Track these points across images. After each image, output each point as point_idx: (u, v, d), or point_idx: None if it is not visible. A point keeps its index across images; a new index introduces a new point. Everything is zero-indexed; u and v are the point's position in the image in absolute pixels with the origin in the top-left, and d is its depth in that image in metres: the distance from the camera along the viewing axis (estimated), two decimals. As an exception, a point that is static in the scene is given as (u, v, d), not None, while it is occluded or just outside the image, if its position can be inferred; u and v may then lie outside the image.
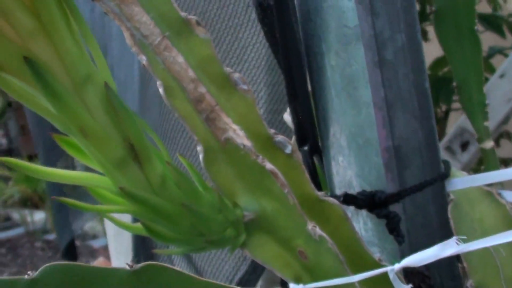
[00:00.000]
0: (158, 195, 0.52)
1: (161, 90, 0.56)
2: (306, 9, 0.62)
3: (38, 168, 0.50)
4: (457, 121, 1.45)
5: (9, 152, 10.53)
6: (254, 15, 1.00)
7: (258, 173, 0.55)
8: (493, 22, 1.48)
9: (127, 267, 0.45)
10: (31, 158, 7.15)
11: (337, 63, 0.60)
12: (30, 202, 6.84)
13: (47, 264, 0.46)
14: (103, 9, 0.57)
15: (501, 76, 1.26)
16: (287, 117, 0.72)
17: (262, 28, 0.68)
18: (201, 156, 0.56)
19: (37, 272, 0.45)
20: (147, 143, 0.51)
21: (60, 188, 2.43)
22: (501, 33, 1.55)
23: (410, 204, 0.61)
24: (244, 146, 0.55)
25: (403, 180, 0.61)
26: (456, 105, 1.73)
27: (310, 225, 0.54)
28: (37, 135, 2.48)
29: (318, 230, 0.53)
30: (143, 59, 0.56)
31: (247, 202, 0.56)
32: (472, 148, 1.35)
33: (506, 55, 1.53)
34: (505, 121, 1.32)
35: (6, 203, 6.75)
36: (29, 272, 0.46)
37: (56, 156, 2.36)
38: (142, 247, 1.55)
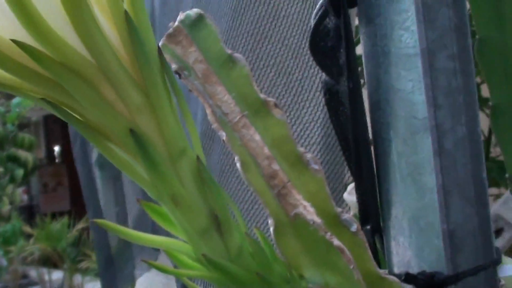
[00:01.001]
0: (235, 263, 0.55)
1: (238, 164, 0.60)
2: (377, 99, 0.66)
3: (130, 232, 0.54)
4: (492, 207, 1.48)
5: (30, 208, 10.59)
6: (313, 96, 1.05)
7: (325, 248, 0.59)
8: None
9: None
10: (54, 216, 7.21)
11: (403, 150, 0.65)
12: (49, 261, 6.86)
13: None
14: (188, 86, 0.62)
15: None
16: (347, 196, 0.76)
17: (328, 111, 0.73)
18: (271, 229, 0.60)
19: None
20: (229, 214, 0.55)
21: (108, 252, 2.47)
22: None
23: (462, 286, 0.65)
24: (314, 222, 0.58)
25: (456, 263, 0.65)
26: (491, 191, 1.76)
27: (373, 301, 0.57)
28: (89, 199, 2.54)
29: (381, 306, 0.57)
30: (223, 135, 0.61)
31: (312, 275, 0.60)
32: (506, 235, 1.38)
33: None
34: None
35: (25, 260, 6.77)
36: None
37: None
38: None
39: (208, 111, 0.62)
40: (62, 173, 11.24)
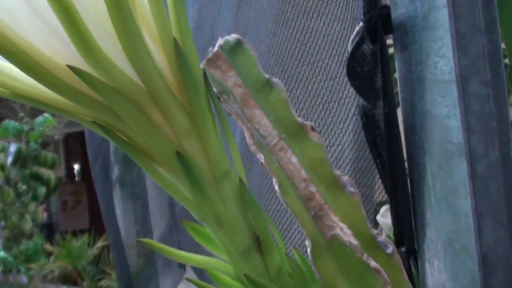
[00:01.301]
0: (275, 283, 0.57)
1: (276, 186, 0.62)
2: (412, 123, 0.68)
3: (174, 252, 0.56)
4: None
5: (49, 226, 10.63)
6: (345, 118, 1.06)
7: (362, 269, 0.60)
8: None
9: None
10: (75, 234, 7.25)
11: (438, 174, 0.66)
12: (69, 279, 6.89)
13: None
14: (227, 109, 0.63)
15: None
16: (380, 218, 0.78)
17: (365, 134, 0.74)
18: (309, 250, 0.61)
19: None
20: (269, 235, 0.56)
21: (128, 271, 2.49)
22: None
23: (495, 310, 0.66)
24: (351, 243, 0.60)
25: (489, 285, 0.66)
26: None
27: (408, 321, 0.58)
28: (108, 218, 2.57)
29: (416, 327, 0.58)
30: (261, 157, 0.62)
31: (349, 295, 0.61)
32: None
33: None
34: None
35: (45, 278, 6.81)
36: None
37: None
38: None
39: (247, 134, 0.64)
40: (81, 191, 11.29)
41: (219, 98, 0.61)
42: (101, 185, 2.78)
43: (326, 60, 1.11)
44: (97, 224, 6.41)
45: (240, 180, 0.54)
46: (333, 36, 1.09)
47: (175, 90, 0.51)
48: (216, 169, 0.53)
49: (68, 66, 0.47)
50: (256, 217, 0.55)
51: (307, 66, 1.16)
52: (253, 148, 0.63)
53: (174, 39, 0.51)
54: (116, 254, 2.87)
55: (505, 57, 0.67)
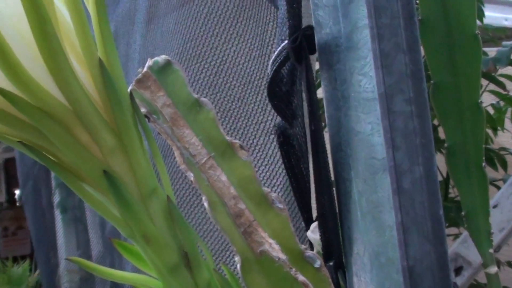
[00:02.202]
0: (204, 299, 0.58)
1: (206, 204, 0.63)
2: (338, 141, 0.70)
3: (103, 269, 0.57)
4: (452, 246, 1.51)
5: (-10, 253, 10.40)
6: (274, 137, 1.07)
7: (290, 283, 0.61)
8: (486, 155, 1.57)
9: None
10: (15, 260, 7.11)
11: (364, 189, 0.68)
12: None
13: None
14: (156, 129, 0.64)
15: (494, 206, 1.33)
16: (310, 234, 0.79)
17: (280, 153, 0.75)
18: (238, 266, 0.62)
19: None
20: (198, 251, 0.57)
21: None
22: (494, 166, 1.64)
23: (422, 322, 0.67)
24: (279, 258, 0.61)
25: (415, 298, 0.68)
26: (451, 230, 1.79)
27: (336, 334, 0.60)
28: (40, 241, 2.54)
29: None
30: (191, 176, 0.63)
31: (278, 310, 0.62)
32: (466, 274, 1.41)
33: (497, 187, 1.61)
34: (497, 249, 1.39)
35: (-15, 305, 6.64)
36: None
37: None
38: None
39: (176, 153, 0.65)
40: (22, 216, 11.10)
41: (148, 118, 0.62)
42: (32, 209, 2.76)
43: (251, 79, 1.13)
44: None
45: (168, 197, 0.55)
46: (255, 58, 1.11)
47: (101, 109, 0.52)
48: (143, 186, 0.54)
49: (-8, 86, 0.47)
50: (184, 234, 0.56)
51: (219, 88, 1.17)
52: (182, 167, 0.64)
53: (100, 59, 0.52)
54: (45, 279, 2.83)
55: (427, 75, 0.70)
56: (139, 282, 0.58)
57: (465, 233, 1.24)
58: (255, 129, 1.13)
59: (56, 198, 2.83)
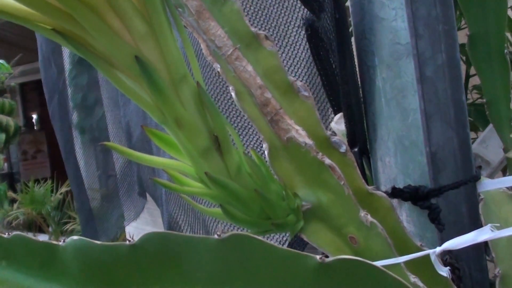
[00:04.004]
0: (234, 181, 0.60)
1: (233, 94, 0.64)
2: (362, 28, 0.70)
3: (133, 153, 0.59)
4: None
5: (10, 176, 10.54)
6: (298, 38, 1.08)
7: (317, 167, 0.63)
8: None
9: (216, 237, 0.53)
10: (37, 181, 7.22)
11: (388, 75, 0.69)
12: (34, 225, 6.88)
13: (146, 233, 0.53)
14: (183, 22, 0.65)
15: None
16: (334, 125, 0.80)
17: (309, 47, 0.77)
18: (266, 153, 0.64)
19: (138, 239, 0.53)
20: (228, 136, 0.59)
21: (89, 211, 2.52)
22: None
23: (445, 203, 0.69)
24: (306, 144, 0.63)
25: (438, 182, 0.69)
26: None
27: (362, 213, 0.62)
28: (68, 159, 2.58)
29: (370, 217, 0.61)
30: (217, 67, 0.65)
31: (305, 193, 0.64)
32: (484, 173, 1.43)
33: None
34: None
35: (10, 225, 6.79)
36: (129, 239, 0.53)
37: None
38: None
39: (203, 45, 0.66)
40: (41, 140, 11.19)
41: (174, 9, 0.63)
42: (59, 123, 2.78)
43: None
44: (59, 172, 6.38)
45: (198, 83, 0.57)
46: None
47: (131, -4, 0.53)
48: (173, 72, 0.55)
49: (25, -28, 0.48)
50: (214, 119, 0.57)
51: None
52: (209, 58, 0.66)
53: None
54: (76, 192, 2.88)
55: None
56: (172, 167, 0.60)
57: (483, 134, 1.25)
58: (274, 30, 1.13)
59: (75, 119, 2.86)
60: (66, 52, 2.74)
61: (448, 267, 0.60)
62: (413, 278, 0.60)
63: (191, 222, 1.80)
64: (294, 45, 1.09)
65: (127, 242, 0.54)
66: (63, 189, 6.99)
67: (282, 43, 1.12)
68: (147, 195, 2.41)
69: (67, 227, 6.46)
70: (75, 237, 0.55)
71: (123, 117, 2.40)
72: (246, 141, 1.22)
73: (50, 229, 6.76)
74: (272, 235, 1.27)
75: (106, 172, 2.83)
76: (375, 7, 0.69)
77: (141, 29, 0.53)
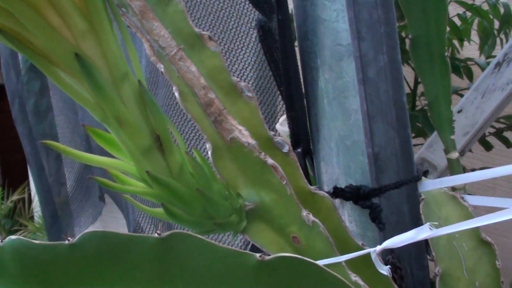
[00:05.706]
0: (176, 180, 0.59)
1: (176, 94, 0.64)
2: (304, 30, 0.71)
3: (78, 153, 0.58)
4: (418, 152, 1.54)
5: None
6: (248, 42, 1.08)
7: (260, 167, 0.63)
8: (452, 64, 1.59)
9: (156, 235, 0.52)
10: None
11: (330, 76, 0.70)
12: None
13: (85, 231, 0.52)
14: (126, 23, 0.65)
15: (459, 111, 1.36)
16: (279, 127, 0.81)
17: (262, 48, 0.77)
18: (209, 153, 0.64)
19: (76, 238, 0.52)
20: (170, 135, 0.59)
21: (54, 210, 2.49)
22: (459, 74, 1.67)
23: (387, 203, 0.70)
24: (249, 144, 0.63)
25: (380, 182, 0.70)
26: (418, 140, 1.82)
27: (304, 212, 0.62)
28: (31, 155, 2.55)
29: (311, 217, 0.62)
30: (161, 67, 0.65)
31: (248, 193, 0.65)
32: (431, 177, 1.45)
33: (461, 95, 1.64)
34: (462, 153, 1.42)
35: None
36: (69, 238, 0.52)
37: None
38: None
39: (146, 45, 0.66)
40: (-8, 147, 11.03)
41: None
42: (21, 127, 2.75)
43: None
44: (10, 178, 6.29)
45: (139, 81, 0.56)
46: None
47: (71, -7, 0.53)
48: (115, 70, 0.55)
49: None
50: (156, 117, 0.57)
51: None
52: (153, 59, 0.66)
53: None
54: (40, 192, 2.85)
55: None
56: (114, 166, 0.60)
57: (430, 139, 1.27)
58: (223, 34, 1.14)
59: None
60: (20, 55, 2.71)
61: (388, 266, 0.60)
62: (354, 277, 0.61)
63: (156, 224, 1.79)
64: (242, 48, 1.10)
65: (67, 241, 0.53)
66: (15, 197, 6.89)
67: (230, 47, 1.12)
68: (106, 198, 2.40)
69: (18, 234, 6.36)
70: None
71: (81, 122, 2.38)
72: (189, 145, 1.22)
73: (0, 237, 6.65)
74: (236, 238, 1.27)
75: (58, 179, 2.79)
76: (317, 8, 0.70)
77: (81, 26, 0.53)
